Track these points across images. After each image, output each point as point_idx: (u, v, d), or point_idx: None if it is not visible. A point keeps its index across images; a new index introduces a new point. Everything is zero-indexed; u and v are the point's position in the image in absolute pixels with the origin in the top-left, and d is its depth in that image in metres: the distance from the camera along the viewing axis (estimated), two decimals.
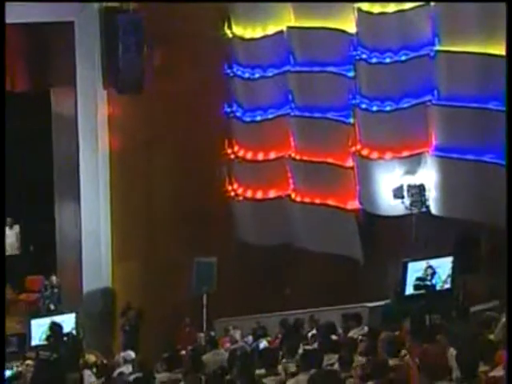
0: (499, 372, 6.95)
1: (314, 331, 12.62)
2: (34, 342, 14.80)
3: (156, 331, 16.13)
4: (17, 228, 19.19)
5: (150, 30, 16.34)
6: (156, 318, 16.44)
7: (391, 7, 13.83)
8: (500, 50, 12.42)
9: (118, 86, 16.81)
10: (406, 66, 13.93)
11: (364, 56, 14.27)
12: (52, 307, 17.15)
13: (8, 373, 13.89)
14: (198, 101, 16.02)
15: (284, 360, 9.70)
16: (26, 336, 15.33)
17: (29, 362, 14.37)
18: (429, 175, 13.93)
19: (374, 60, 14.16)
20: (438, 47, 13.76)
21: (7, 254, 19.20)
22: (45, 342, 13.91)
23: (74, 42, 16.70)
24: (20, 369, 14.08)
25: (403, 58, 13.94)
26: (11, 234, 19.28)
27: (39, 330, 14.81)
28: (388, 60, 14.02)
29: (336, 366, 9.12)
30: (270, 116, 15.78)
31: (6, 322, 17.73)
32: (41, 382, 10.31)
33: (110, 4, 16.67)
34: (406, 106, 14.00)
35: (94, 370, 12.77)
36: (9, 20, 15.90)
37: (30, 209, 18.39)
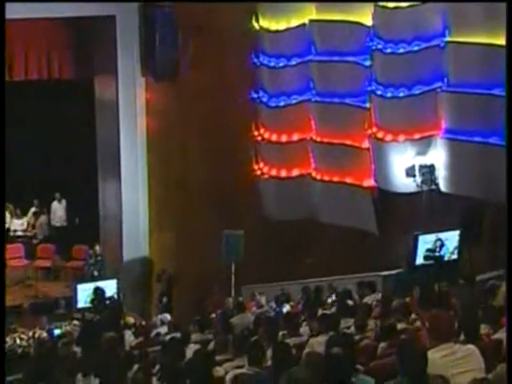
0: (502, 334, 6.93)
1: (333, 297, 12.64)
2: (80, 304, 14.90)
3: (189, 296, 16.21)
4: (64, 202, 19.33)
5: (184, 23, 16.36)
6: (189, 284, 16.52)
7: (405, 3, 13.82)
8: (503, 41, 12.36)
9: (154, 74, 16.86)
10: (418, 55, 13.87)
11: (379, 46, 14.23)
12: (95, 274, 17.25)
13: (57, 331, 14.02)
14: (228, 87, 16.02)
15: (305, 323, 9.72)
16: (72, 299, 15.43)
17: (75, 322, 14.51)
18: (438, 156, 13.89)
19: (388, 50, 14.12)
20: (447, 38, 13.70)
21: (57, 225, 19.35)
22: (89, 305, 14.04)
23: (115, 35, 16.75)
24: (67, 328, 14.19)
25: (415, 48, 13.88)
26: (60, 208, 19.42)
27: (84, 293, 14.91)
28: (401, 50, 13.96)
29: (352, 329, 9.14)
30: (293, 101, 15.77)
31: (55, 287, 17.91)
32: (85, 340, 10.36)
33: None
34: (417, 92, 13.95)
35: (133, 330, 12.84)
36: (57, 15, 16.01)
37: (76, 185, 18.49)
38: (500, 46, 12.47)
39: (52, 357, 9.42)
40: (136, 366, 8.28)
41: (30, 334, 14.82)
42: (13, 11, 15.18)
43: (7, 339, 14.59)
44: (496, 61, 12.61)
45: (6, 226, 19.67)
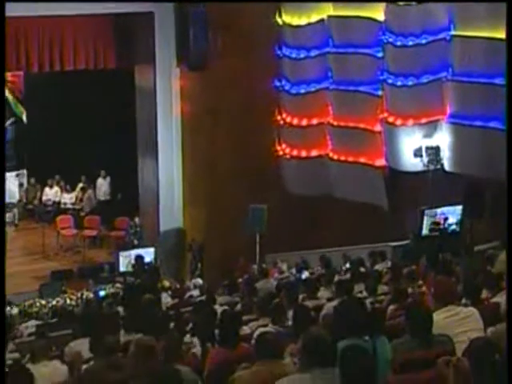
0: (499, 298, 6.90)
1: (347, 265, 12.62)
2: (122, 269, 15.01)
3: (218, 263, 16.25)
4: (108, 179, 19.42)
5: (214, 19, 16.33)
6: (218, 253, 16.55)
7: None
8: (503, 35, 12.25)
9: (188, 64, 16.87)
10: (426, 48, 13.77)
11: (391, 40, 14.13)
12: (135, 242, 17.34)
13: (102, 293, 14.11)
14: (253, 76, 15.96)
15: (322, 288, 9.71)
16: (115, 264, 15.54)
17: (118, 285, 14.60)
18: (443, 138, 13.81)
19: (399, 43, 14.01)
20: (452, 32, 13.59)
21: (102, 199, 19.46)
22: (130, 270, 14.12)
23: (153, 29, 16.76)
24: (111, 290, 14.28)
25: (423, 41, 13.78)
26: (104, 184, 19.54)
27: (126, 260, 15.03)
28: (411, 43, 13.86)
29: (364, 293, 9.12)
30: (312, 89, 15.69)
31: (100, 253, 18.02)
32: (127, 301, 10.42)
33: None
34: (425, 81, 13.85)
35: (169, 293, 12.89)
36: (103, 11, 16.05)
37: (119, 164, 18.55)
38: (500, 40, 12.37)
39: (97, 315, 9.49)
40: (172, 325, 8.32)
41: (79, 294, 14.93)
42: (63, 8, 15.26)
43: (59, 299, 14.73)
44: (497, 53, 12.50)
45: (58, 199, 19.82)
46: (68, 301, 14.61)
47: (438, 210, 13.15)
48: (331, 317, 6.56)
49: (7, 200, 19.99)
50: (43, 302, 14.58)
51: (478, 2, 12.89)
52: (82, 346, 7.35)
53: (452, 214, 13.13)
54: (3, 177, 17.94)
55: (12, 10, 14.90)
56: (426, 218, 13.02)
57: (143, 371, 4.82)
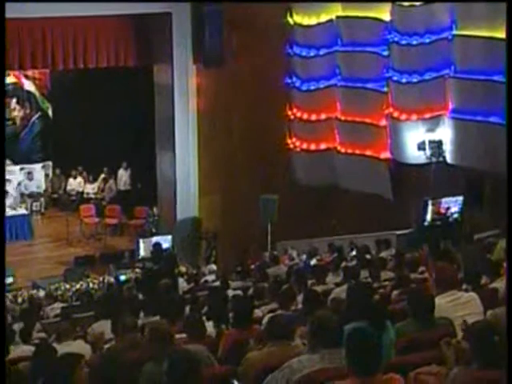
0: (498, 284, 6.89)
1: (353, 252, 12.60)
2: (141, 255, 15.04)
3: (232, 250, 16.27)
4: (128, 171, 19.48)
5: (229, 19, 16.28)
6: (232, 240, 16.57)
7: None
8: (503, 34, 12.16)
9: (204, 62, 16.83)
10: (429, 47, 13.69)
11: (396, 39, 14.06)
12: (154, 230, 17.40)
13: (122, 277, 14.17)
14: (266, 73, 15.93)
15: (330, 273, 9.71)
16: (135, 251, 15.58)
17: (137, 270, 14.66)
18: (445, 132, 13.74)
19: (403, 42, 13.94)
20: (454, 32, 13.49)
21: (122, 189, 19.52)
22: (149, 256, 14.14)
23: (171, 28, 16.72)
24: (131, 275, 14.33)
25: (427, 40, 13.70)
26: (125, 175, 19.60)
27: (144, 247, 15.05)
28: (415, 42, 13.79)
29: (369, 279, 9.12)
30: (322, 86, 15.64)
31: (120, 241, 18.09)
32: (146, 285, 10.47)
33: None
34: (428, 78, 13.77)
35: (185, 278, 12.92)
36: (124, 11, 16.06)
37: (139, 156, 18.59)
38: (500, 39, 12.28)
39: (118, 298, 9.53)
40: (188, 308, 8.34)
41: (100, 279, 15.01)
42: (86, 9, 15.27)
43: (82, 283, 14.81)
44: (496, 51, 12.41)
45: (81, 189, 19.89)
46: (91, 285, 14.70)
47: (440, 201, 13.11)
48: (339, 301, 6.57)
49: (34, 190, 20.11)
50: (67, 285, 14.68)
51: (479, 1, 12.79)
52: (103, 327, 7.40)
53: (453, 205, 13.10)
54: (3, 176, 17.85)
55: (38, 11, 15.01)
56: (428, 208, 12.99)
57: (159, 352, 4.83)
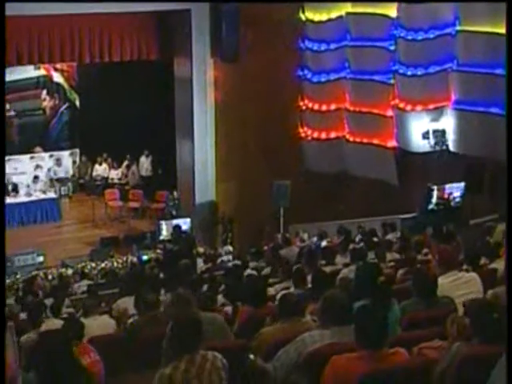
0: (496, 264, 6.87)
1: (361, 235, 12.57)
2: (162, 237, 15.07)
3: (247, 232, 16.29)
4: (150, 158, 19.51)
5: (245, 16, 16.23)
6: (247, 223, 16.59)
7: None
8: (503, 30, 12.03)
9: (221, 56, 16.81)
10: (434, 41, 13.57)
11: (402, 34, 13.95)
12: (174, 213, 17.43)
13: (144, 257, 14.22)
14: (279, 67, 15.88)
15: (339, 255, 9.67)
16: (156, 233, 15.62)
17: (158, 251, 14.70)
18: (448, 122, 13.66)
19: (409, 37, 13.82)
20: (457, 28, 13.38)
21: (144, 175, 19.56)
22: (169, 238, 14.18)
23: (190, 24, 16.70)
24: (152, 255, 14.38)
25: (431, 35, 13.58)
26: (147, 161, 19.64)
27: (165, 229, 15.08)
28: (420, 37, 13.67)
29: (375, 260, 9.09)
30: (332, 78, 15.55)
31: (143, 223, 18.15)
32: (166, 265, 10.50)
33: None
34: (432, 71, 13.67)
35: (203, 258, 12.94)
36: (147, 9, 16.06)
37: (160, 144, 18.62)
38: (501, 34, 12.16)
39: (140, 277, 9.57)
40: (205, 286, 8.36)
41: (124, 258, 15.10)
42: (111, 6, 15.30)
43: (107, 262, 14.88)
44: (497, 46, 12.29)
45: (106, 175, 19.95)
46: (115, 264, 14.78)
47: (443, 187, 13.05)
48: (347, 280, 6.56)
49: (63, 175, 20.21)
50: (94, 264, 14.76)
51: (480, 1, 12.68)
52: (127, 303, 7.43)
53: (455, 190, 13.04)
54: (3, 176, 17.84)
55: (66, 9, 15.04)
56: (432, 194, 12.93)
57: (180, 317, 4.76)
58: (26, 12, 14.62)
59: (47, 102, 20.40)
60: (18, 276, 14.15)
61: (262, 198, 15.81)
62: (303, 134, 16.12)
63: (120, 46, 17.10)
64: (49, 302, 8.28)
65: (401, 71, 14.04)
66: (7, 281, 13.73)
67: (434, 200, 12.92)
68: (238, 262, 10.84)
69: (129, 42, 17.23)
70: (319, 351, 4.41)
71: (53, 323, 6.87)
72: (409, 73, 13.90)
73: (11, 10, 13.85)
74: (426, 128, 13.69)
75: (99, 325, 6.61)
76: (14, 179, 19.15)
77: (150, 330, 5.81)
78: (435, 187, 13.01)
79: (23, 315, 7.75)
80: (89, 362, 5.19)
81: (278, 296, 6.50)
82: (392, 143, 14.55)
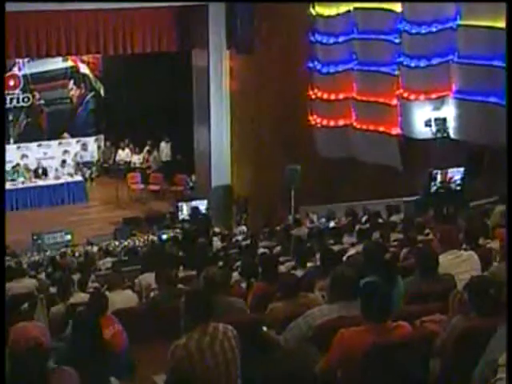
0: (494, 244, 6.84)
1: (366, 216, 12.54)
2: (181, 217, 15.11)
3: (260, 213, 16.30)
4: (170, 143, 19.53)
5: (259, 10, 16.15)
6: (260, 205, 16.60)
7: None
8: (503, 24, 11.89)
9: (236, 47, 16.75)
10: (436, 35, 13.44)
11: (407, 28, 13.80)
12: (192, 195, 17.46)
13: (164, 236, 14.26)
14: (291, 58, 15.82)
15: (346, 235, 9.67)
16: (175, 214, 15.67)
17: (177, 230, 14.75)
18: (450, 111, 13.55)
19: (413, 31, 13.69)
20: (458, 22, 13.24)
21: (164, 160, 19.59)
22: (187, 218, 14.22)
23: (207, 18, 16.65)
24: (171, 235, 14.43)
25: (434, 29, 13.43)
26: (166, 147, 19.67)
27: (184, 209, 15.12)
28: (423, 31, 13.53)
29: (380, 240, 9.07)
30: (340, 69, 15.46)
31: (163, 204, 18.21)
32: (185, 244, 10.53)
33: None
34: (435, 63, 13.54)
35: (219, 237, 12.98)
36: (168, 4, 16.05)
37: (179, 131, 18.64)
38: (500, 28, 12.02)
39: (160, 254, 9.61)
40: (221, 263, 8.39)
41: (145, 237, 15.14)
42: (134, 2, 15.31)
43: (129, 240, 14.95)
44: (497, 39, 12.15)
45: (128, 159, 20.01)
46: (137, 242, 14.84)
47: (445, 171, 12.98)
48: (353, 258, 6.56)
49: (88, 159, 20.30)
50: (117, 243, 14.84)
51: (480, 1, 12.54)
52: (148, 278, 7.47)
53: (456, 175, 12.97)
54: (3, 176, 17.77)
55: (92, 4, 15.06)
56: (433, 178, 12.87)
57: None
58: (55, 7, 14.73)
59: (74, 92, 20.46)
60: (47, 253, 14.25)
61: (275, 181, 15.80)
62: (313, 122, 16.05)
63: (142, 39, 17.08)
64: (76, 277, 8.33)
65: (405, 63, 13.93)
66: (37, 257, 13.85)
67: (436, 183, 12.86)
68: (251, 242, 10.85)
69: (150, 35, 17.21)
70: (328, 324, 4.42)
71: (80, 297, 6.92)
72: (412, 64, 13.79)
73: (40, 5, 13.93)
74: (429, 116, 13.59)
75: (122, 299, 6.65)
76: (44, 163, 19.27)
77: (169, 304, 5.84)
78: (437, 171, 12.95)
79: (53, 289, 7.80)
80: (113, 332, 5.23)
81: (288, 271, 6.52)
82: (396, 130, 14.47)
